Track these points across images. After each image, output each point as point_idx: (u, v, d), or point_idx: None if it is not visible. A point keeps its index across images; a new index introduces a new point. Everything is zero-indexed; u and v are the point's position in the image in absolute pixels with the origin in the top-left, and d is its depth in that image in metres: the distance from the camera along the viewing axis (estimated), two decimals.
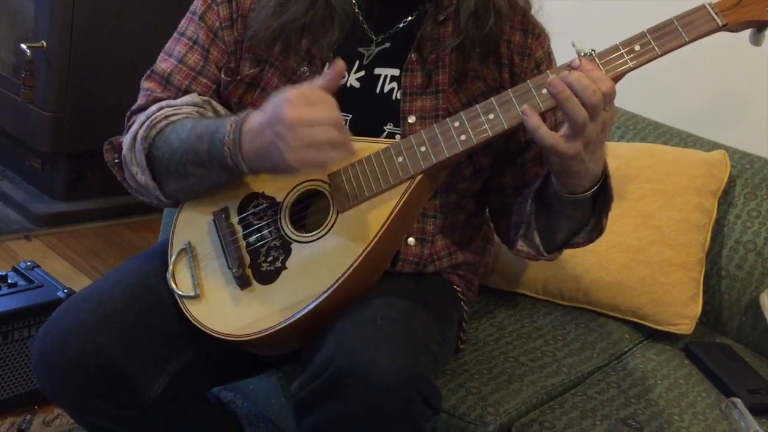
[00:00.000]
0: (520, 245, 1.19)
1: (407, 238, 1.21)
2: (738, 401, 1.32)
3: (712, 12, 1.02)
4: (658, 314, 1.54)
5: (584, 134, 1.01)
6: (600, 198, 1.13)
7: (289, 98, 1.01)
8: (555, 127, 1.21)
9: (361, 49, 1.21)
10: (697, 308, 1.55)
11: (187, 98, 1.20)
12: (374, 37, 1.21)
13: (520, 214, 1.18)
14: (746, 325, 1.59)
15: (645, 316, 1.55)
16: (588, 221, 1.16)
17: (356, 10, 1.20)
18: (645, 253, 1.56)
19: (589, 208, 1.14)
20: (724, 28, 1.03)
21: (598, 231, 1.18)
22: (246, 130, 1.06)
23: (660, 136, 1.74)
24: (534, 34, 1.22)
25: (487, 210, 1.34)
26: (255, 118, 1.06)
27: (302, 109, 1.00)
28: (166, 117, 1.16)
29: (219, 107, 1.23)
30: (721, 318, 1.61)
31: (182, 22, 1.26)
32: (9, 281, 1.69)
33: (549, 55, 1.24)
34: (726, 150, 1.67)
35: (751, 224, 1.60)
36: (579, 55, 1.03)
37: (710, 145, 1.70)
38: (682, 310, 1.54)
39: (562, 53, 1.25)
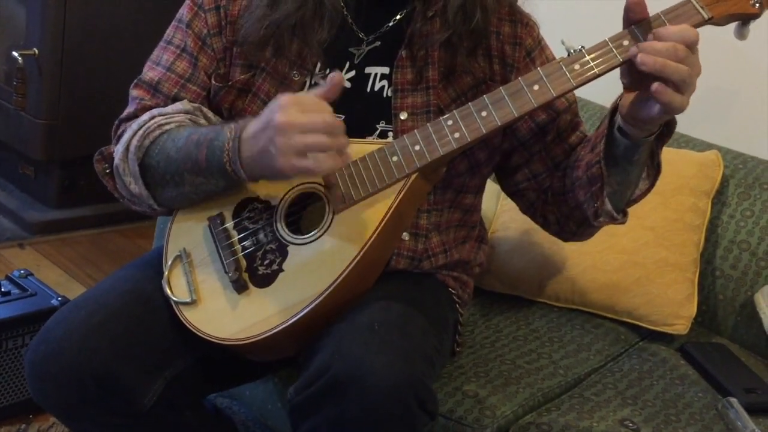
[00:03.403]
0: (603, 218, 1.17)
1: None
2: (734, 401, 1.32)
3: (697, 5, 1.03)
4: (654, 315, 1.55)
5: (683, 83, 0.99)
6: (665, 131, 1.11)
7: (282, 104, 1.01)
8: (533, 125, 1.23)
9: (351, 49, 1.21)
10: (693, 308, 1.55)
11: (178, 105, 1.20)
12: (365, 37, 1.21)
13: (589, 184, 1.15)
14: (741, 324, 1.59)
15: (640, 317, 1.56)
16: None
17: (344, 11, 1.20)
18: (640, 254, 1.56)
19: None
20: (710, 21, 1.04)
21: (656, 168, 1.16)
22: (245, 137, 1.06)
23: None
24: (522, 23, 1.22)
25: (515, 210, 1.35)
26: (252, 125, 1.06)
27: (294, 114, 1.00)
28: (160, 126, 1.16)
29: (210, 114, 1.22)
30: (716, 318, 1.62)
31: (168, 31, 1.25)
32: (2, 290, 1.68)
33: (539, 43, 1.24)
34: (719, 150, 1.67)
35: (745, 224, 1.61)
36: (568, 52, 1.04)
37: (703, 146, 1.71)
38: (677, 310, 1.54)
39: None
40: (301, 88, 1.20)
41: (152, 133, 1.15)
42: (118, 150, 1.17)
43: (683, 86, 0.99)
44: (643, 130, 1.08)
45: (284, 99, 1.02)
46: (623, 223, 1.20)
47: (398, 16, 1.20)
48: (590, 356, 1.44)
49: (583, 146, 1.21)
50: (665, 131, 1.11)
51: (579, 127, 1.27)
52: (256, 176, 1.09)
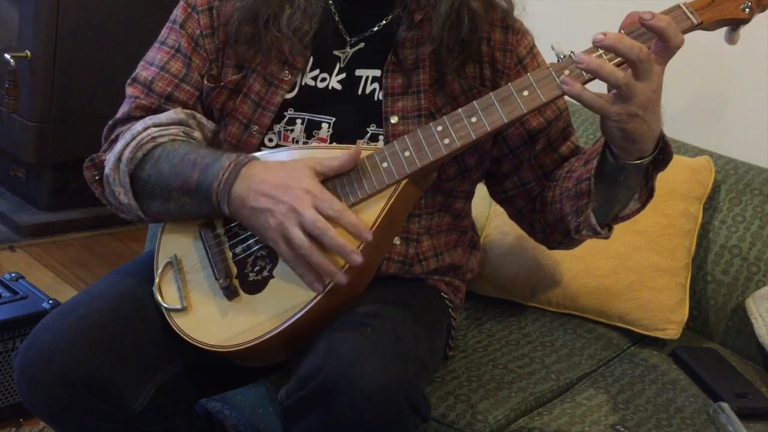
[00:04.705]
0: (585, 233, 1.15)
1: None
2: (725, 406, 1.32)
3: (686, 11, 1.03)
4: (646, 320, 1.55)
5: (635, 94, 0.97)
6: (660, 158, 1.09)
7: (304, 186, 1.02)
8: (523, 133, 1.23)
9: (336, 52, 1.21)
10: (684, 313, 1.55)
11: (171, 114, 1.19)
12: (348, 39, 1.21)
13: (576, 198, 1.14)
14: (732, 329, 1.59)
15: (632, 321, 1.56)
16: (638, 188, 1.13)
17: (333, 11, 1.20)
18: (631, 258, 1.56)
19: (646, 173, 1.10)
20: (700, 26, 1.04)
21: (648, 193, 1.14)
22: (246, 177, 1.07)
23: None
24: (514, 30, 1.22)
25: (507, 216, 1.33)
26: (261, 172, 1.06)
27: (306, 205, 1.01)
28: (153, 138, 1.15)
29: (204, 120, 1.22)
30: (708, 323, 1.62)
31: (162, 32, 1.25)
32: None
33: (531, 50, 1.23)
34: (710, 156, 1.68)
35: (736, 229, 1.61)
36: (558, 58, 1.04)
37: (695, 151, 1.71)
38: (669, 315, 1.54)
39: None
40: (292, 88, 1.20)
41: (145, 146, 1.15)
42: (109, 159, 1.17)
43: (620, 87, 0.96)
44: (627, 151, 1.05)
45: (311, 186, 1.03)
46: (606, 237, 1.18)
47: (383, 21, 1.20)
48: (582, 361, 1.44)
49: (578, 158, 1.19)
50: (660, 158, 1.09)
51: (570, 137, 1.26)
52: (236, 216, 1.09)
